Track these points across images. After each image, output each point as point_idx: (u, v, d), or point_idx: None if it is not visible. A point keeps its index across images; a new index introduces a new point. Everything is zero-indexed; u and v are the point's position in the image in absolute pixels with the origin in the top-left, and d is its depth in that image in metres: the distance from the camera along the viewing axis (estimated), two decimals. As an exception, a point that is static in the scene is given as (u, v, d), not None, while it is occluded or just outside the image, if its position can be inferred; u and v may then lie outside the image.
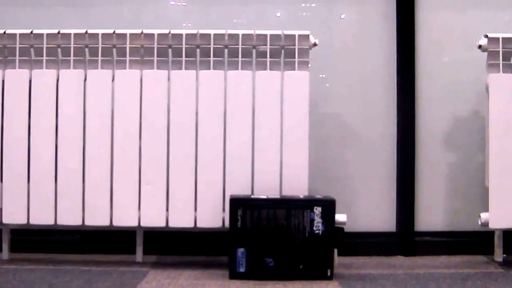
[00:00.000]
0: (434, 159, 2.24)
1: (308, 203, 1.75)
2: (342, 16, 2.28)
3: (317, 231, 1.73)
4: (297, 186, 1.87)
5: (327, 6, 2.27)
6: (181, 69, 1.89)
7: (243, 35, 1.90)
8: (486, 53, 1.94)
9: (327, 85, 2.24)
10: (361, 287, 1.62)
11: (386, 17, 2.23)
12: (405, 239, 2.18)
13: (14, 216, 1.89)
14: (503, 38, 1.92)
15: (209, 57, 1.89)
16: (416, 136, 2.22)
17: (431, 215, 2.23)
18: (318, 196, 1.80)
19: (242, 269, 1.72)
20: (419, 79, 2.22)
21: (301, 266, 1.73)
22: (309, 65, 1.91)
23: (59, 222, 1.88)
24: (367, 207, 2.23)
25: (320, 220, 1.73)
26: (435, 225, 2.22)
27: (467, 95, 2.22)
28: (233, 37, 1.89)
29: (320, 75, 2.21)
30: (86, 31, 1.90)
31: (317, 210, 1.73)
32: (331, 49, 2.23)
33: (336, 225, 1.76)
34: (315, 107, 2.09)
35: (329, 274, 1.73)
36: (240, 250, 1.73)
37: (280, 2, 2.27)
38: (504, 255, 2.03)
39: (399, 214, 2.21)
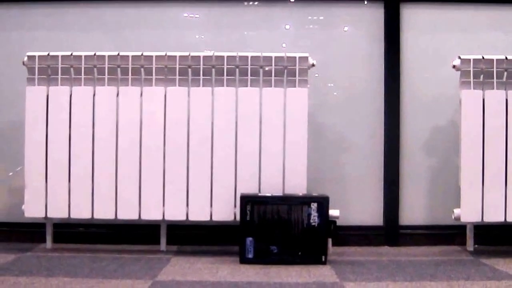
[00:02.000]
0: (416, 162, 2.51)
1: (306, 200, 2.05)
2: (337, 38, 2.55)
3: (313, 224, 2.04)
4: (297, 186, 2.16)
5: (324, 30, 2.55)
6: (199, 86, 2.19)
7: (251, 57, 2.20)
8: (459, 72, 2.22)
9: (325, 99, 2.52)
10: (350, 270, 1.93)
11: (376, 39, 2.51)
12: (390, 231, 2.46)
13: (57, 211, 2.19)
14: (473, 59, 2.20)
15: (223, 75, 2.19)
16: (400, 142, 2.50)
17: (413, 211, 2.50)
18: (314, 194, 2.10)
19: (250, 255, 2.03)
20: (404, 92, 2.50)
21: (300, 253, 2.03)
22: (308, 83, 2.21)
23: (96, 216, 2.18)
24: (358, 204, 2.50)
25: (316, 214, 2.04)
26: (416, 220, 2.50)
27: (444, 107, 2.48)
28: (243, 58, 2.20)
29: (318, 90, 2.48)
30: (118, 54, 2.20)
31: (314, 205, 2.04)
32: (327, 67, 2.50)
33: (330, 219, 2.06)
34: (313, 118, 2.38)
35: (323, 259, 2.03)
36: (249, 239, 2.03)
37: (283, 28, 2.56)
38: (476, 246, 2.33)
39: (385, 210, 2.49)
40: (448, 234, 2.45)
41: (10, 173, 2.49)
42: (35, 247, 2.29)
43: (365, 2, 2.53)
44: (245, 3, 2.53)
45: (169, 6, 2.54)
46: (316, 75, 2.41)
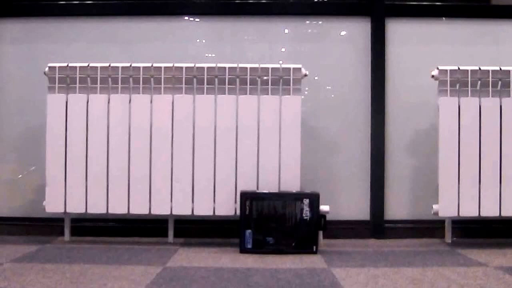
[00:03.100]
0: (399, 162, 2.70)
1: (299, 196, 2.28)
2: (328, 50, 2.75)
3: (305, 217, 2.27)
4: (291, 183, 2.38)
5: (316, 43, 2.74)
6: (203, 94, 2.42)
7: (250, 68, 2.42)
8: (437, 81, 2.44)
9: (316, 105, 2.72)
10: (338, 258, 2.16)
11: (363, 50, 2.70)
12: (376, 225, 2.66)
13: (75, 207, 2.42)
14: (450, 70, 2.42)
15: (225, 84, 2.42)
16: (385, 145, 2.68)
17: (397, 207, 2.69)
18: (306, 191, 2.33)
19: (249, 246, 2.26)
20: (388, 99, 2.68)
21: (293, 244, 2.26)
22: (301, 91, 2.43)
23: (110, 211, 2.41)
24: (346, 200, 2.69)
25: (308, 209, 2.27)
26: (400, 215, 2.69)
27: (425, 112, 2.66)
28: (243, 69, 2.42)
29: (310, 98, 2.70)
30: (131, 65, 2.43)
31: (306, 201, 2.27)
32: (319, 76, 2.71)
33: (320, 213, 2.29)
34: (305, 122, 2.59)
35: (314, 249, 2.26)
36: (248, 232, 2.27)
37: (278, 41, 2.75)
38: (454, 238, 2.55)
39: (372, 205, 2.68)
40: (429, 228, 2.63)
41: (29, 173, 2.71)
42: (54, 239, 2.52)
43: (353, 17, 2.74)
44: (245, 18, 2.73)
45: (176, 21, 2.74)
46: (316, 77, 2.62)
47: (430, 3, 2.77)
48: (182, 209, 2.41)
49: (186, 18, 2.76)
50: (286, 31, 2.77)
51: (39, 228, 2.65)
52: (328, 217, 2.34)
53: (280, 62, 2.46)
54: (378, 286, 1.72)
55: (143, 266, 1.97)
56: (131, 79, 2.43)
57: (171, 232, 2.50)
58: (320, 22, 2.75)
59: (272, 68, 2.43)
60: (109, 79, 2.43)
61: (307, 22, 2.76)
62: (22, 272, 1.87)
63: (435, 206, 2.44)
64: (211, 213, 2.41)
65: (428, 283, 1.75)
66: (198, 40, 2.75)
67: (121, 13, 2.72)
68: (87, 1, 2.74)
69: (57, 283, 1.72)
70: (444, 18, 2.74)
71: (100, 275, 1.83)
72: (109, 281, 1.74)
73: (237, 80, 2.43)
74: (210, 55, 2.73)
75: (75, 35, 2.73)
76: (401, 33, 2.72)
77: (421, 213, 2.64)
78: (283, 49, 2.77)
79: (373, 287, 1.71)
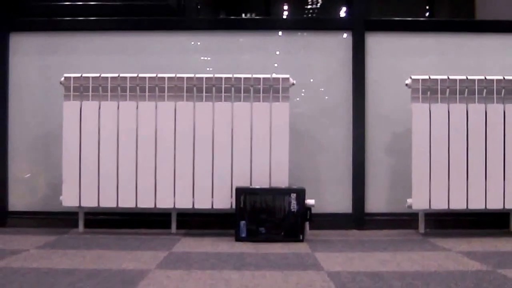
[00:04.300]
0: (378, 161, 2.96)
1: (287, 191, 2.58)
2: (314, 61, 3.01)
3: (293, 210, 2.56)
4: (280, 180, 2.67)
5: (302, 56, 3.01)
6: (202, 101, 2.71)
7: (244, 78, 2.71)
8: (410, 89, 2.72)
9: (303, 110, 2.99)
10: (321, 245, 2.46)
11: (345, 61, 2.97)
12: (358, 217, 2.94)
13: (89, 201, 2.71)
14: (422, 79, 2.70)
15: (221, 93, 2.71)
16: (365, 145, 2.94)
17: (377, 201, 2.96)
18: (294, 187, 2.62)
19: (243, 235, 2.56)
20: (368, 105, 2.95)
21: (282, 233, 2.55)
22: (289, 98, 2.71)
23: (120, 205, 2.70)
24: (331, 196, 2.96)
25: (295, 202, 2.57)
26: (379, 208, 2.96)
27: (400, 117, 2.90)
28: (237, 79, 2.71)
29: (298, 104, 2.97)
30: (137, 75, 2.72)
31: (293, 195, 2.57)
32: (306, 84, 2.98)
33: (306, 206, 2.59)
34: (293, 126, 2.87)
35: (301, 238, 2.55)
36: (242, 222, 2.56)
37: (269, 53, 3.02)
38: (427, 229, 2.83)
39: (354, 200, 2.95)
40: (404, 220, 2.89)
41: (45, 171, 3.00)
42: (69, 231, 2.81)
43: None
44: (239, 33, 3.02)
45: (178, 35, 3.03)
46: (303, 86, 2.92)
47: (404, 19, 3.06)
48: (184, 203, 2.70)
49: (188, 32, 3.04)
50: (277, 44, 3.05)
51: (54, 221, 2.93)
52: (314, 210, 2.61)
53: (273, 74, 2.72)
54: (352, 265, 2.03)
55: (151, 252, 2.27)
56: (138, 88, 2.72)
57: (174, 224, 2.80)
58: (306, 36, 3.04)
59: (263, 78, 2.71)
60: (119, 88, 2.72)
61: (296, 36, 3.04)
62: (47, 256, 2.17)
63: (409, 200, 2.73)
64: (210, 207, 2.70)
65: (394, 263, 2.06)
66: (197, 53, 3.03)
67: (129, 28, 3.02)
68: (98, 17, 3.04)
69: (80, 263, 2.02)
70: (418, 31, 3.02)
71: (115, 257, 2.13)
72: (123, 262, 2.04)
73: (232, 88, 2.71)
74: (209, 65, 3.01)
75: (87, 48, 3.01)
76: (379, 45, 2.99)
77: (398, 207, 2.89)
78: (274, 60, 3.04)
79: (347, 266, 2.02)
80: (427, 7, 3.81)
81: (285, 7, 4.04)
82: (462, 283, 1.74)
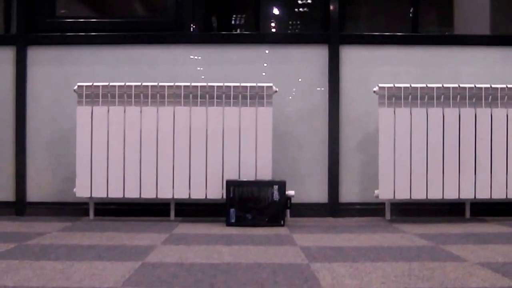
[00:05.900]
0: (351, 157, 3.35)
1: (270, 183, 2.99)
2: (294, 71, 3.39)
3: (275, 199, 2.98)
4: (265, 174, 3.08)
5: (286, 66, 3.39)
6: (197, 106, 3.12)
7: (233, 86, 3.12)
8: (378, 95, 3.15)
9: (285, 113, 3.38)
10: (298, 229, 2.87)
11: (322, 71, 3.36)
12: (333, 207, 3.34)
13: (99, 192, 3.12)
14: (387, 87, 3.11)
15: (214, 99, 3.12)
16: (340, 144, 3.34)
17: (349, 192, 3.35)
18: (276, 179, 3.04)
19: (232, 220, 2.97)
20: (342, 109, 3.34)
21: (266, 219, 2.96)
22: (272, 103, 3.12)
23: (126, 195, 3.11)
24: (309, 187, 3.34)
25: (277, 193, 2.98)
26: (352, 198, 3.35)
27: (370, 119, 3.30)
28: (228, 87, 3.12)
29: (280, 109, 3.37)
30: (141, 84, 3.13)
31: (275, 187, 2.98)
32: (287, 92, 3.38)
33: (287, 196, 3.00)
34: (276, 128, 3.28)
35: (282, 223, 2.97)
36: (232, 210, 2.98)
37: (256, 64, 3.39)
38: (394, 217, 3.25)
39: (329, 191, 3.34)
40: (375, 209, 3.29)
41: (59, 166, 3.40)
42: (81, 218, 3.22)
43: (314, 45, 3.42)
44: (230, 46, 3.42)
45: (177, 48, 3.42)
46: (285, 92, 3.33)
47: (375, 33, 3.46)
48: (182, 193, 3.11)
49: (185, 46, 3.43)
50: (262, 56, 3.43)
51: (67, 210, 3.33)
52: (294, 201, 3.03)
53: (258, 83, 3.13)
54: (321, 241, 2.46)
55: (155, 234, 2.69)
56: (141, 95, 3.13)
57: (172, 212, 3.21)
58: (289, 49, 3.43)
59: (250, 86, 3.13)
60: (125, 95, 3.13)
61: (279, 48, 3.42)
62: (69, 236, 2.59)
63: (376, 191, 3.14)
64: (204, 197, 3.11)
65: (356, 241, 2.49)
66: (193, 64, 3.43)
67: (134, 42, 3.42)
68: (105, 33, 3.45)
69: (99, 241, 2.44)
70: (386, 44, 3.42)
71: (126, 237, 2.56)
72: (134, 240, 2.47)
73: (223, 95, 3.13)
74: (203, 75, 3.41)
75: (95, 59, 3.41)
76: (352, 57, 3.38)
77: (368, 197, 3.29)
78: (260, 70, 3.42)
79: (317, 242, 2.45)
80: (412, 20, 4.17)
81: (272, 24, 4.49)
82: (406, 254, 2.18)
